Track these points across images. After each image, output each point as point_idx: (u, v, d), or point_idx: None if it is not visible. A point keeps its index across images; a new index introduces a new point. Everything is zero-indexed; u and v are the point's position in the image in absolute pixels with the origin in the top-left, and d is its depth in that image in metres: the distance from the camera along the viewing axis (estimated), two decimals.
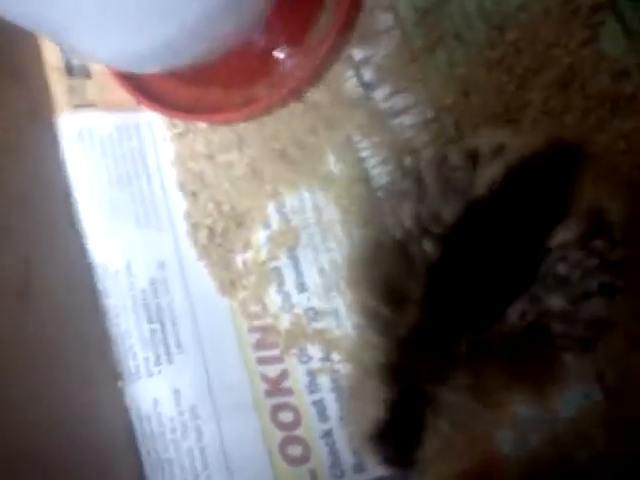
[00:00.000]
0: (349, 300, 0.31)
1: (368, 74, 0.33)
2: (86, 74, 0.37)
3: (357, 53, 0.33)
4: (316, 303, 0.33)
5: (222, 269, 0.34)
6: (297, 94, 0.33)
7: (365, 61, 0.33)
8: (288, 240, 0.34)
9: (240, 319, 0.34)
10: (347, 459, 0.31)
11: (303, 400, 0.32)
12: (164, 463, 0.32)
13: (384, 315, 0.22)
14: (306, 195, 0.34)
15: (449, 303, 0.21)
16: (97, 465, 0.31)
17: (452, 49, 0.31)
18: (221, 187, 0.35)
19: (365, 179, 0.33)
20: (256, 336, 0.33)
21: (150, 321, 0.34)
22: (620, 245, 0.21)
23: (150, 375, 0.33)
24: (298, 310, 0.33)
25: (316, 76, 0.33)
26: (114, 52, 0.28)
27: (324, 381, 0.32)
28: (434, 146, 0.31)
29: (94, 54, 0.30)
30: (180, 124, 0.36)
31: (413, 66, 0.32)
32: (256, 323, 0.33)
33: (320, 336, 0.32)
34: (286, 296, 0.33)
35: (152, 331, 0.33)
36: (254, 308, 0.33)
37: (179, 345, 0.33)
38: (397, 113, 0.32)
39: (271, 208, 0.34)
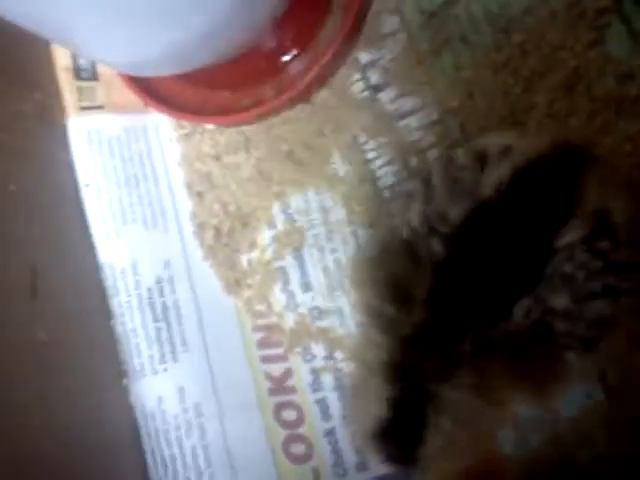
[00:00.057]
0: (354, 299, 0.32)
1: (374, 77, 0.33)
2: (94, 76, 0.37)
3: (363, 56, 0.33)
4: (320, 302, 0.33)
5: (228, 269, 0.35)
6: (304, 96, 0.34)
7: (371, 64, 0.33)
8: (293, 240, 0.34)
9: (245, 318, 0.34)
10: (350, 457, 0.31)
11: (306, 398, 0.32)
12: (168, 460, 0.33)
13: (388, 314, 0.22)
14: (312, 196, 0.34)
15: (454, 302, 0.21)
16: (102, 465, 0.31)
17: (458, 52, 0.31)
18: (228, 188, 0.35)
19: (371, 180, 0.33)
20: (260, 334, 0.33)
21: (156, 320, 0.34)
22: (625, 246, 0.21)
23: (155, 373, 0.33)
24: (302, 309, 0.33)
25: (323, 78, 0.33)
26: (122, 56, 0.29)
27: (327, 380, 0.32)
28: (440, 148, 0.31)
29: (101, 57, 0.30)
30: (187, 125, 0.36)
31: (419, 69, 0.32)
32: (260, 322, 0.34)
33: (324, 335, 0.33)
34: (291, 295, 0.33)
35: (157, 329, 0.34)
36: (259, 307, 0.34)
37: (184, 343, 0.34)
38: (403, 115, 0.32)
39: (276, 208, 0.34)
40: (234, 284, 0.34)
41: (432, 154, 0.31)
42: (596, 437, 0.27)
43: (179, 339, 0.34)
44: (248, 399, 0.33)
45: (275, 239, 0.34)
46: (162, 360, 0.33)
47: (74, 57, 0.37)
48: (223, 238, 0.35)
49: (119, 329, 0.34)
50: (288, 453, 0.32)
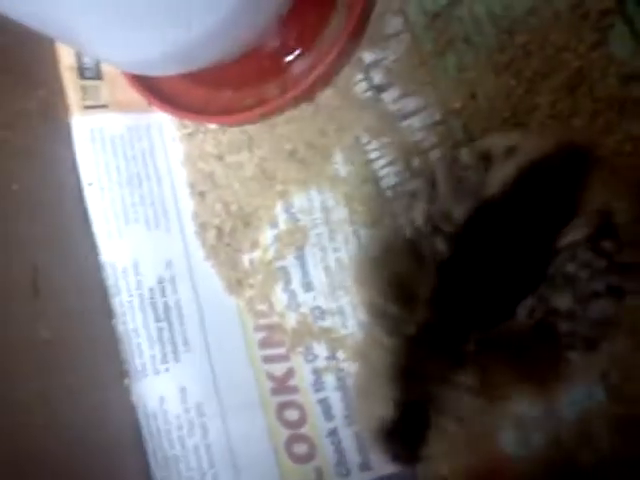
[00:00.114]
0: (357, 299, 0.32)
1: (378, 77, 0.33)
2: (98, 75, 0.37)
3: (367, 56, 0.33)
4: (322, 302, 0.33)
5: (229, 268, 0.35)
6: (307, 96, 0.34)
7: (375, 64, 0.33)
8: (296, 240, 0.34)
9: (247, 317, 0.34)
10: (353, 457, 0.31)
11: (309, 398, 0.32)
12: (170, 460, 0.33)
13: (392, 313, 0.22)
14: (314, 195, 0.34)
15: (458, 301, 0.21)
16: (104, 465, 0.31)
17: (461, 53, 0.31)
18: (230, 187, 0.35)
19: (374, 180, 0.33)
20: (262, 334, 0.34)
21: (157, 319, 0.34)
22: (628, 247, 0.21)
23: (157, 373, 0.33)
24: (304, 309, 0.33)
25: (326, 78, 0.33)
26: (126, 55, 0.29)
27: (329, 380, 0.32)
28: (442, 148, 0.31)
29: (106, 56, 0.30)
30: (190, 124, 0.36)
31: (422, 69, 0.32)
32: (262, 321, 0.34)
33: (326, 335, 0.33)
34: (292, 295, 0.33)
35: (159, 329, 0.34)
36: (260, 307, 0.34)
37: (186, 343, 0.34)
38: (406, 115, 0.32)
39: (279, 208, 0.34)
40: (236, 284, 0.34)
41: (434, 154, 0.31)
42: (598, 438, 0.27)
43: (181, 339, 0.34)
44: (250, 399, 0.33)
45: (277, 238, 0.34)
46: (164, 360, 0.33)
47: (78, 56, 0.37)
48: (225, 238, 0.35)
49: (121, 329, 0.34)
50: (291, 453, 0.32)
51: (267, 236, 0.34)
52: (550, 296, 0.21)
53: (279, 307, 0.33)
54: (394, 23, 0.33)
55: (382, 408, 0.22)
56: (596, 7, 0.29)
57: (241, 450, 0.32)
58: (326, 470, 0.32)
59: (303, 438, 0.32)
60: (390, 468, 0.30)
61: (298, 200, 0.34)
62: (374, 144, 0.33)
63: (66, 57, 0.37)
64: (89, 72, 0.37)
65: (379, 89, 0.33)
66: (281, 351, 0.33)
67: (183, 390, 0.33)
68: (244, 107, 0.34)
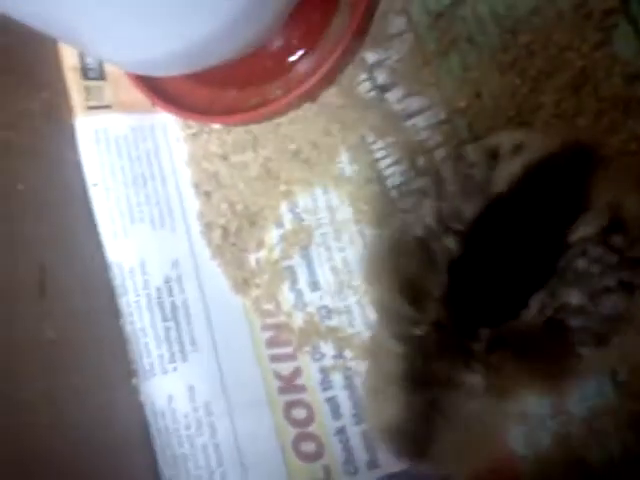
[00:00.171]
0: (367, 298, 0.32)
1: (381, 77, 0.33)
2: (101, 76, 0.37)
3: (370, 56, 0.34)
4: (329, 301, 0.33)
5: (235, 268, 0.35)
6: (311, 95, 0.34)
7: (378, 64, 0.33)
8: (301, 239, 0.34)
9: (253, 317, 0.34)
10: (361, 455, 0.31)
11: (316, 397, 0.32)
12: (178, 459, 0.33)
13: (403, 313, 0.23)
14: (319, 195, 0.34)
15: (469, 299, 0.21)
16: (112, 464, 0.31)
17: (465, 52, 0.32)
18: (235, 187, 0.35)
19: (379, 179, 0.33)
20: (269, 334, 0.34)
21: (165, 319, 0.34)
22: (638, 242, 0.21)
23: (165, 372, 0.33)
24: (311, 308, 0.33)
25: (330, 78, 0.34)
26: (130, 55, 0.29)
27: (337, 378, 0.32)
28: (447, 147, 0.31)
29: (110, 57, 0.30)
30: (194, 125, 0.36)
31: (426, 69, 0.32)
32: (269, 321, 0.34)
33: (333, 334, 0.33)
34: (299, 294, 0.34)
35: (167, 329, 0.34)
36: (267, 306, 0.34)
37: (193, 343, 0.34)
38: (410, 115, 0.33)
39: (284, 208, 0.34)
40: (242, 283, 0.34)
41: (440, 153, 0.32)
42: (608, 437, 0.27)
43: (188, 338, 0.34)
44: (258, 397, 0.33)
45: (283, 238, 0.34)
46: (171, 359, 0.33)
47: (81, 57, 0.37)
48: (231, 237, 0.35)
49: (128, 328, 0.34)
50: (298, 451, 0.32)
51: (273, 236, 0.34)
52: (561, 292, 0.21)
53: (286, 306, 0.34)
54: (397, 23, 0.33)
55: (391, 407, 0.22)
56: (600, 7, 0.29)
57: (249, 449, 0.32)
58: (334, 468, 0.32)
59: (311, 436, 0.32)
60: (398, 466, 0.30)
61: (303, 200, 0.34)
62: (379, 143, 0.33)
63: (69, 58, 0.37)
64: (92, 73, 0.37)
65: (383, 89, 0.33)
66: (288, 350, 0.33)
67: (191, 389, 0.33)
68: (248, 107, 0.34)
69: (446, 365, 0.21)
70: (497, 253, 0.21)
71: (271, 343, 0.33)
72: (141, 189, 0.36)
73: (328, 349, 0.33)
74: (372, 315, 0.32)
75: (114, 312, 0.34)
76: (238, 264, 0.35)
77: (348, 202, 0.33)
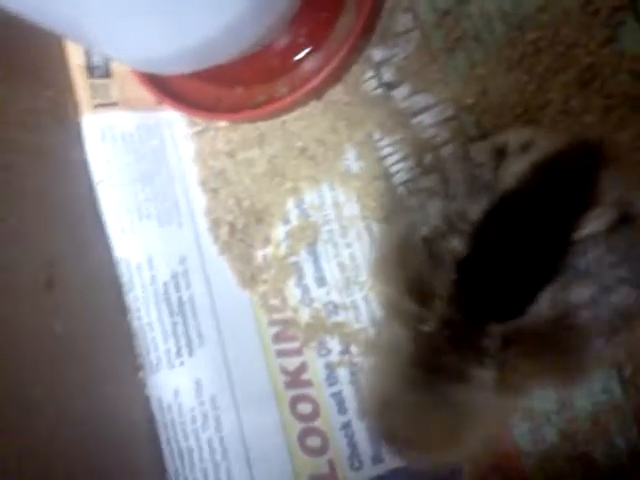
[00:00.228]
0: (374, 295, 0.32)
1: (388, 74, 0.33)
2: (107, 74, 0.37)
3: (377, 53, 0.34)
4: (335, 297, 0.33)
5: (243, 264, 0.35)
6: (318, 93, 0.34)
7: (385, 61, 0.34)
8: (307, 236, 0.34)
9: (260, 312, 0.34)
10: (366, 450, 0.32)
11: (322, 392, 0.33)
12: (184, 453, 0.33)
13: (410, 310, 0.23)
14: (326, 192, 0.34)
15: (476, 296, 0.21)
16: (118, 457, 0.31)
17: (472, 50, 0.32)
18: (242, 184, 0.35)
19: (385, 176, 0.33)
20: (276, 329, 0.34)
21: (172, 314, 0.34)
22: None
23: (171, 367, 0.34)
24: (317, 304, 0.33)
25: (337, 76, 0.34)
26: (138, 53, 0.29)
27: (343, 374, 0.33)
28: (454, 144, 0.31)
29: (116, 54, 0.31)
30: (200, 122, 0.36)
31: (433, 66, 0.32)
32: (276, 316, 0.34)
33: (339, 329, 0.33)
34: (305, 290, 0.34)
35: (174, 324, 0.34)
36: (274, 301, 0.34)
37: (200, 337, 0.34)
38: (417, 112, 0.33)
39: (290, 204, 0.35)
40: (249, 279, 0.35)
41: (446, 150, 0.32)
42: (613, 433, 0.27)
43: (195, 333, 0.34)
44: (264, 392, 0.33)
45: (289, 234, 0.34)
46: (178, 354, 0.34)
47: (87, 55, 0.37)
48: (238, 234, 0.35)
49: (135, 324, 0.34)
50: (304, 446, 0.32)
51: (279, 232, 0.35)
52: (571, 286, 0.21)
53: (292, 302, 0.34)
54: (404, 20, 0.33)
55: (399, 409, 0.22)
56: (607, 4, 0.29)
57: (254, 443, 0.33)
58: (339, 463, 0.32)
59: (316, 431, 0.32)
60: (402, 461, 0.31)
61: (309, 196, 0.34)
62: (386, 141, 0.33)
63: (75, 56, 0.37)
64: (98, 70, 0.37)
65: (389, 86, 0.33)
66: (295, 345, 0.33)
67: (198, 383, 0.33)
68: (255, 104, 0.34)
69: (456, 359, 0.21)
70: (505, 249, 0.21)
71: (277, 338, 0.34)
72: (148, 186, 0.36)
73: (334, 344, 0.33)
74: (378, 311, 0.32)
75: (121, 307, 0.35)
76: (245, 260, 0.35)
77: (355, 198, 0.33)
